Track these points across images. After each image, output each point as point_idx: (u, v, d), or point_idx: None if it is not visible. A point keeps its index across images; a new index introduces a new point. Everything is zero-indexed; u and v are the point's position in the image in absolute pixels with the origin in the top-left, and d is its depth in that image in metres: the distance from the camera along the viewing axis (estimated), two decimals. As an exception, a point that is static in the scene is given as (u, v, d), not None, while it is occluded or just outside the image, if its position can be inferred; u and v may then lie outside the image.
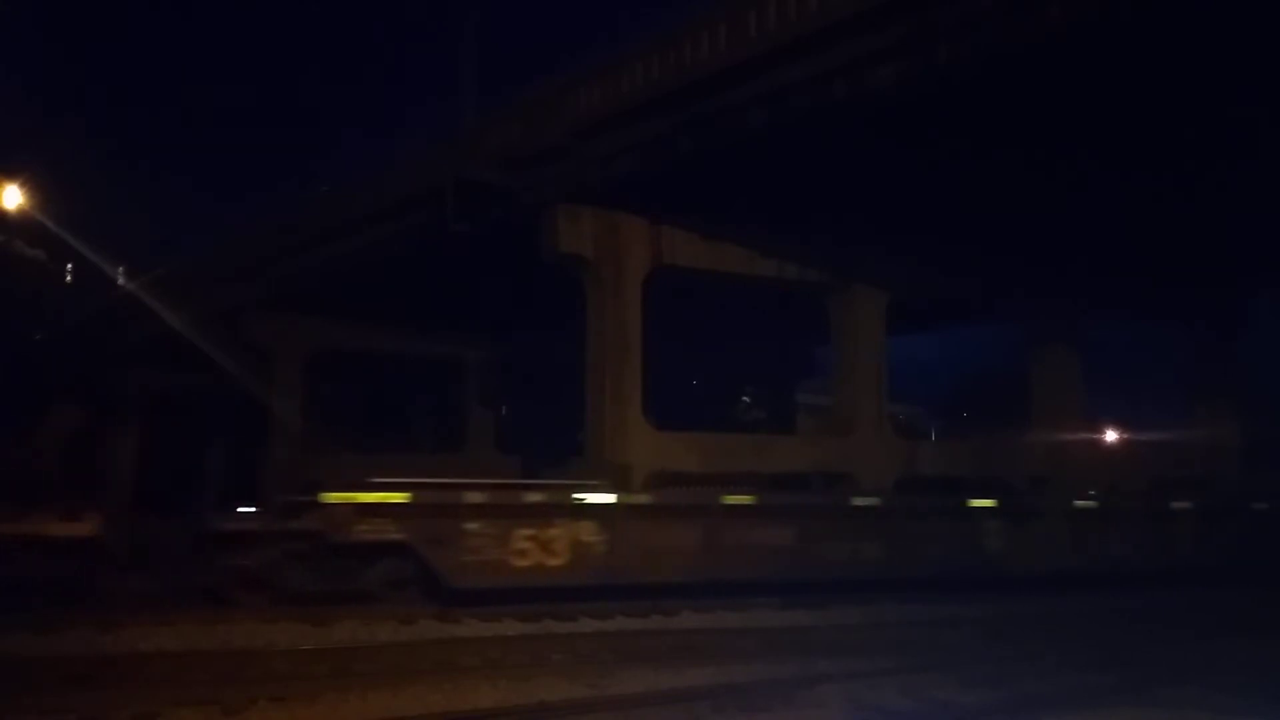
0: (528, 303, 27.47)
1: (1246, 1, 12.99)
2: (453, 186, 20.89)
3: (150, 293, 34.32)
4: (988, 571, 19.08)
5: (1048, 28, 13.46)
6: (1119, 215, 20.94)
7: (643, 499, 17.23)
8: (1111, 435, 28.49)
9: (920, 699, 9.51)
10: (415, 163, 24.16)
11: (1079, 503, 21.73)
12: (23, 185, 32.63)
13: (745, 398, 43.67)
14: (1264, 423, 26.50)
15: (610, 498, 16.44)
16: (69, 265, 44.60)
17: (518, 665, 10.64)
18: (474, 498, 15.52)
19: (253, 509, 16.63)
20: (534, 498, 16.05)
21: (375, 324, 31.67)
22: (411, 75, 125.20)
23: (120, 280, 40.23)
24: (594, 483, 16.95)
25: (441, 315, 30.58)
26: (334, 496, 14.83)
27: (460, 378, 34.61)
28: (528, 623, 13.81)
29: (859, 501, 19.08)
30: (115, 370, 40.50)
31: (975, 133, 16.99)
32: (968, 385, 54.10)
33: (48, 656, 10.49)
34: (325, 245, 27.27)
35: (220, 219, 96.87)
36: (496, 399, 35.66)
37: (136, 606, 13.80)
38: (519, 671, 10.26)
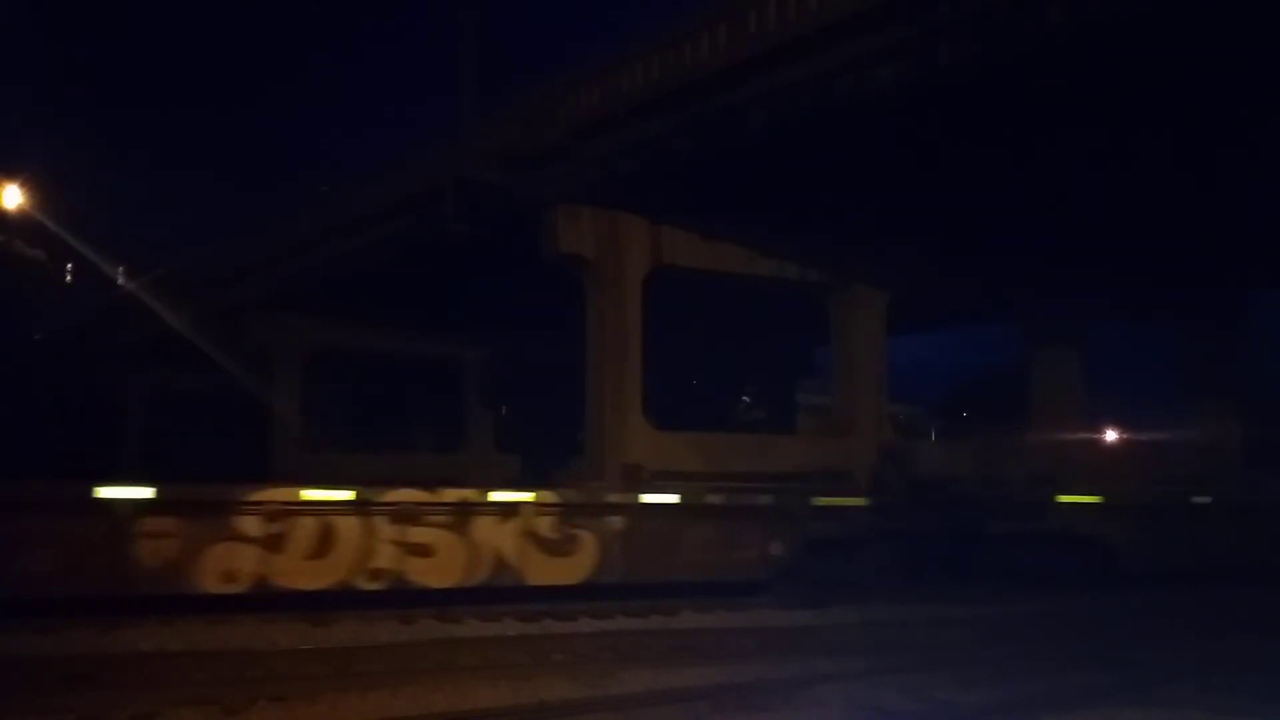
0: (528, 303, 27.48)
1: (1245, 3, 13.01)
2: (453, 186, 20.92)
3: (150, 293, 34.36)
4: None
5: (1048, 29, 13.48)
6: (1120, 215, 20.95)
7: None
8: (1111, 435, 28.47)
9: (920, 699, 9.50)
10: (415, 163, 24.19)
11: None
12: (23, 185, 32.67)
13: (745, 398, 43.70)
14: (1265, 422, 26.49)
15: None
16: (69, 265, 44.65)
17: (518, 665, 10.63)
18: None
19: None
20: None
21: (375, 324, 31.71)
22: (411, 75, 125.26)
23: (120, 280, 40.29)
24: None
25: (441, 315, 30.60)
26: None
27: (460, 378, 34.62)
28: (528, 623, 13.80)
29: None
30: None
31: (976, 133, 17.01)
32: (968, 385, 54.12)
33: (48, 656, 10.48)
34: (325, 245, 27.30)
35: (220, 219, 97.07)
36: (496, 399, 35.68)
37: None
38: (519, 671, 10.25)
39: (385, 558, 14.52)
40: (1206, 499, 20.83)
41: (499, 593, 15.09)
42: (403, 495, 14.87)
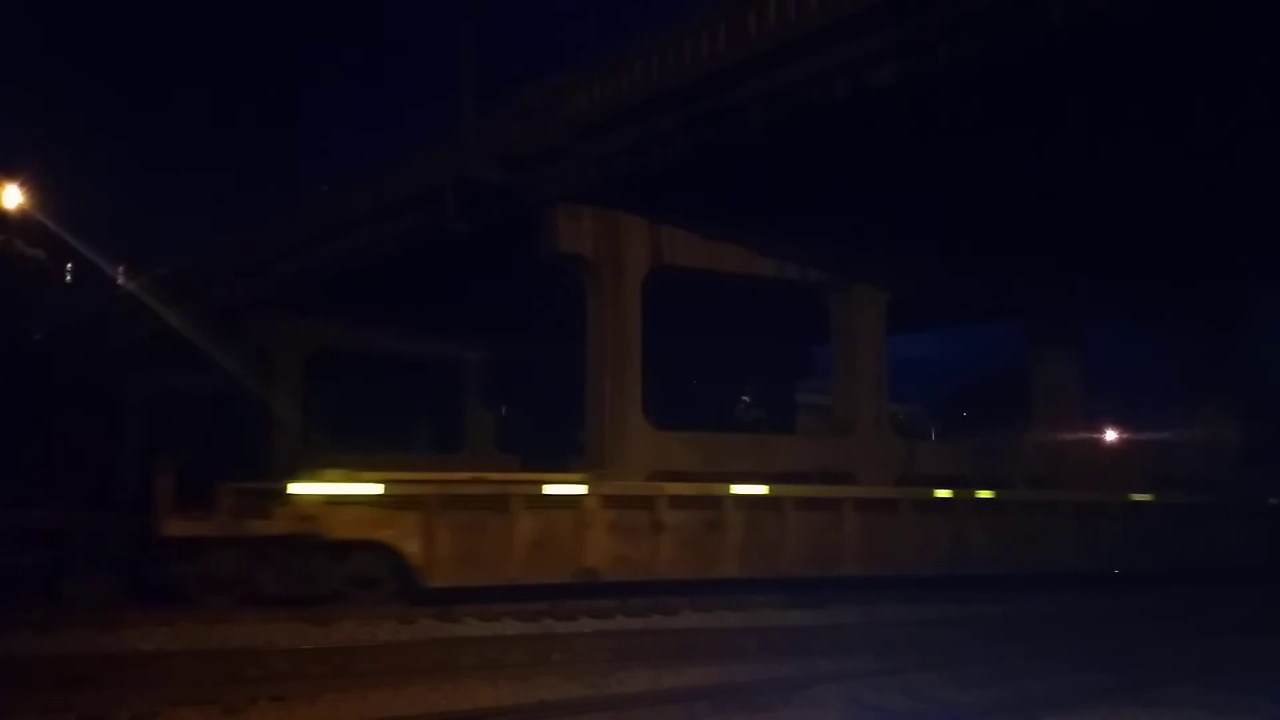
0: (528, 303, 27.49)
1: (1249, 3, 13.01)
2: (453, 186, 20.91)
3: (150, 293, 34.38)
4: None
5: (1049, 27, 13.46)
6: (1120, 213, 20.95)
7: None
8: (1111, 434, 28.49)
9: (920, 699, 9.51)
10: (415, 163, 24.17)
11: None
12: (23, 185, 32.67)
13: (745, 398, 43.72)
14: (1264, 421, 26.51)
15: None
16: (69, 265, 44.66)
17: (518, 665, 10.63)
18: None
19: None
20: None
21: (375, 324, 31.70)
22: (411, 75, 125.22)
23: (120, 280, 40.32)
24: None
25: (441, 315, 30.60)
26: None
27: (460, 378, 34.62)
28: (528, 622, 13.81)
29: None
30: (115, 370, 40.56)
31: (976, 132, 16.99)
32: (968, 385, 54.18)
33: (48, 656, 10.49)
34: (325, 245, 27.28)
35: (220, 219, 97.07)
36: (496, 399, 35.67)
37: (134, 606, 13.79)
38: (519, 671, 10.26)
39: None
40: (580, 489, 16.68)
41: (499, 592, 15.10)
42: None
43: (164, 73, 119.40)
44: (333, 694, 9.02)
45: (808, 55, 15.50)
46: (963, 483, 21.35)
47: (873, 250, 22.42)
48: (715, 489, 17.53)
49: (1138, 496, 21.21)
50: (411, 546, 15.03)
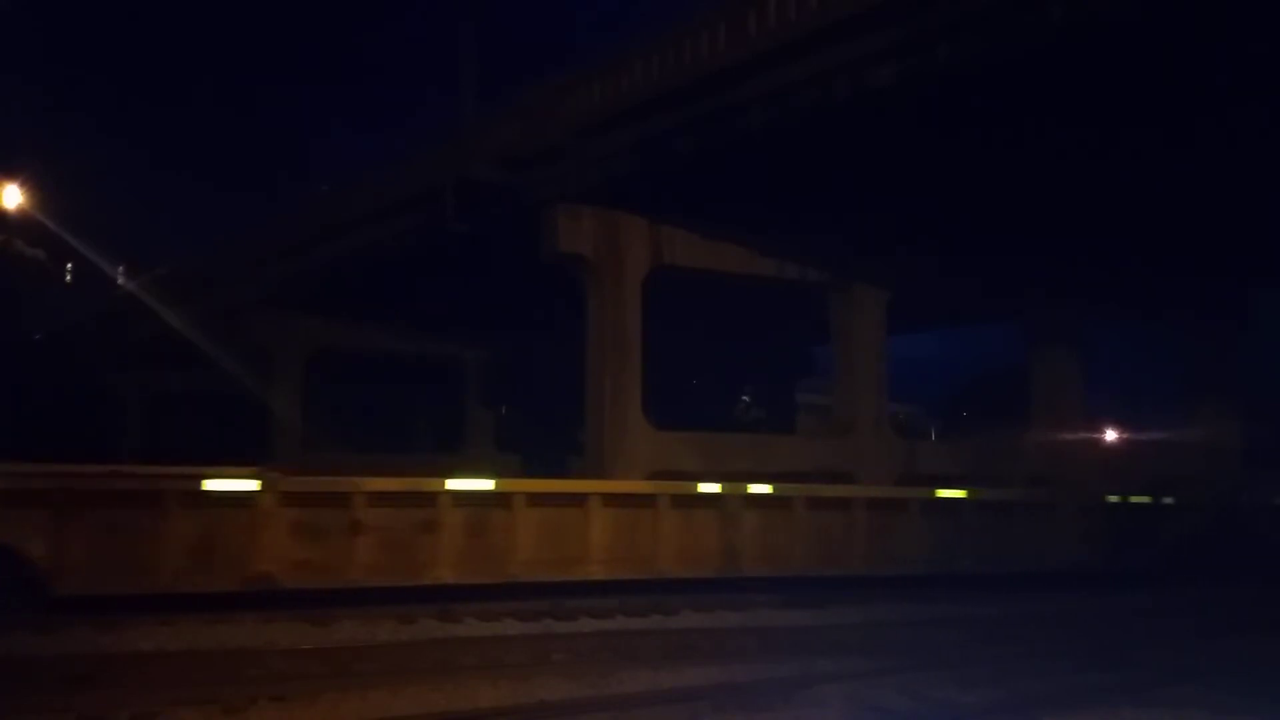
0: (527, 303, 27.52)
1: (1251, 5, 13.01)
2: (453, 186, 20.95)
3: (150, 293, 34.44)
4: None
5: (1049, 27, 13.47)
6: (1120, 213, 20.95)
7: None
8: (1111, 434, 28.51)
9: (920, 699, 9.49)
10: (415, 162, 24.21)
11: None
12: (23, 185, 32.69)
13: (745, 398, 43.76)
14: (1265, 421, 26.51)
15: None
16: (69, 265, 44.72)
17: (518, 665, 10.61)
18: None
19: None
20: None
21: (376, 324, 31.77)
22: (411, 75, 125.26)
23: (120, 280, 40.38)
24: None
25: (441, 315, 30.64)
26: None
27: (460, 378, 34.66)
28: (528, 622, 13.78)
29: None
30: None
31: (975, 131, 16.99)
32: (968, 385, 54.23)
33: (48, 656, 10.48)
34: (325, 245, 27.33)
35: (219, 219, 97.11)
36: (496, 399, 35.72)
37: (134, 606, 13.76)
38: (519, 671, 10.24)
39: None
40: (252, 485, 14.31)
41: (499, 592, 15.09)
42: None
43: (164, 73, 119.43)
44: (332, 694, 9.00)
45: (808, 55, 15.52)
46: (964, 482, 21.26)
47: (873, 250, 22.43)
48: (428, 484, 15.43)
49: (945, 493, 19.04)
50: (36, 549, 13.09)
